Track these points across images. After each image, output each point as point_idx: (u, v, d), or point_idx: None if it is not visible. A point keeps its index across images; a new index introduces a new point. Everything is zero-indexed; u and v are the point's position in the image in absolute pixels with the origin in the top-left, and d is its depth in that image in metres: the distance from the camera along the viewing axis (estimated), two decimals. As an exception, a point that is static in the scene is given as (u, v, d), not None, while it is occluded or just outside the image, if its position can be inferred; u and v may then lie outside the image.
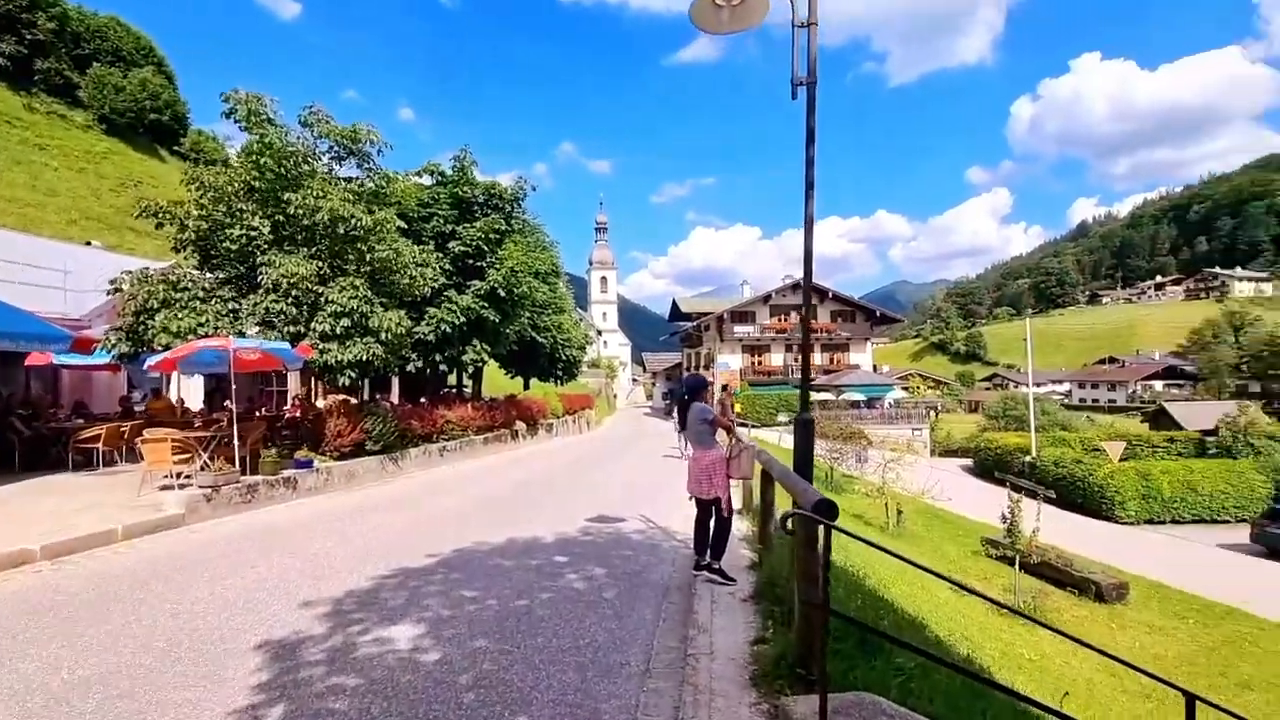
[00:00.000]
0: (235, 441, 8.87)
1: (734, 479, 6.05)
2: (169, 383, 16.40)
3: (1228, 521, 21.89)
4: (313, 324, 10.47)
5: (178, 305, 10.32)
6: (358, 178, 13.43)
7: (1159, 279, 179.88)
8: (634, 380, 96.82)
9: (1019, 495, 14.19)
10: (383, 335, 10.91)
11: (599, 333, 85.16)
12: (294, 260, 10.59)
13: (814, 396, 40.95)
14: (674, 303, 58.19)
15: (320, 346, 10.37)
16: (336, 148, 12.29)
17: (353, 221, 10.89)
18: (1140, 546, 18.73)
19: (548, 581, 5.46)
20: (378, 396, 16.59)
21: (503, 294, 15.75)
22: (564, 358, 31.51)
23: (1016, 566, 13.26)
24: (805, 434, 4.46)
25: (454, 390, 31.18)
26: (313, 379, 18.07)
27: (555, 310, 29.03)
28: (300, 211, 10.69)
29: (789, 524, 2.87)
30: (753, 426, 34.28)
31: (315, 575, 5.64)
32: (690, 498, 5.84)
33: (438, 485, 11.61)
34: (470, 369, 19.76)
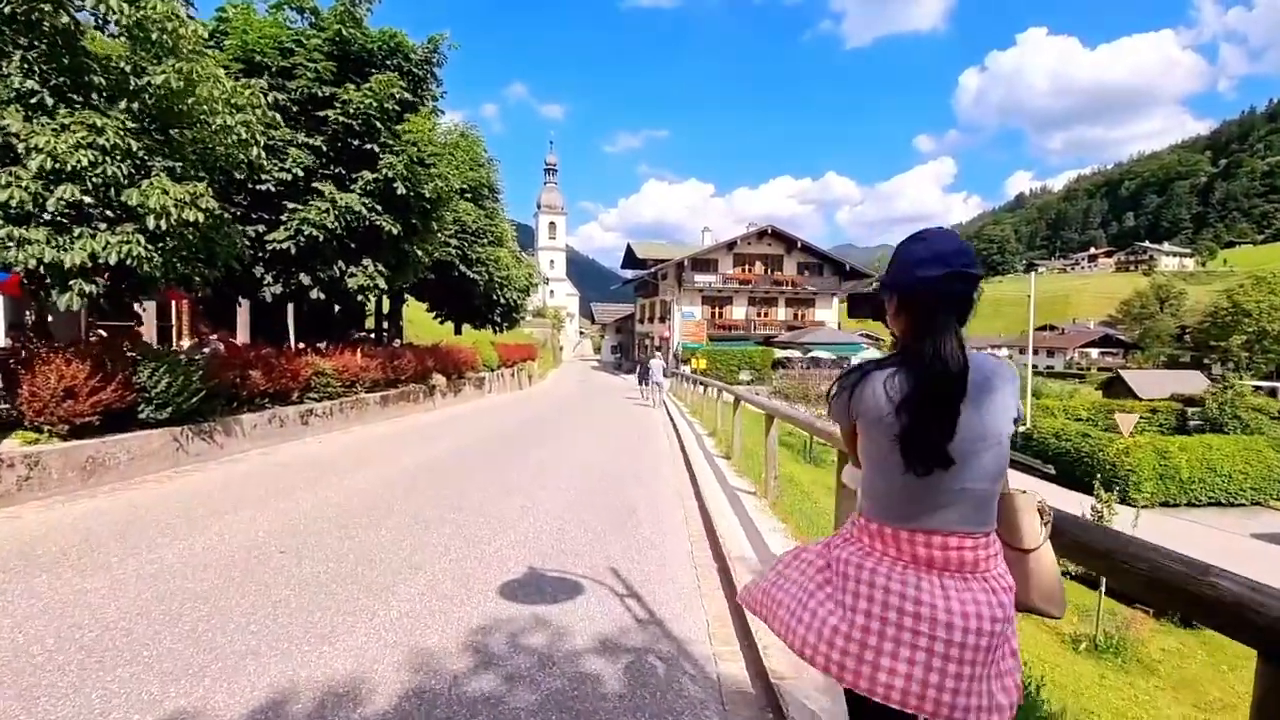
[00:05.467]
0: None
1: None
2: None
3: (1243, 505, 19.64)
4: None
5: None
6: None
7: (1091, 250, 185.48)
8: (581, 333, 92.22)
9: (1109, 495, 10.76)
10: (151, 221, 6.13)
11: (546, 280, 79.47)
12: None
13: (778, 354, 37.63)
14: (629, 248, 53.48)
15: (9, 235, 5.55)
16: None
17: (97, 5, 5.95)
18: (1170, 536, 15.99)
19: None
20: (204, 332, 11.64)
21: (405, 191, 10.93)
22: (503, 300, 26.83)
23: (1102, 588, 9.89)
24: None
25: (370, 335, 26.18)
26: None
27: (492, 241, 24.17)
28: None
29: None
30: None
31: None
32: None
33: (258, 484, 7.08)
34: (367, 301, 14.94)
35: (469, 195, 18.94)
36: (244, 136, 7.36)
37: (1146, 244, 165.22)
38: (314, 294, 10.81)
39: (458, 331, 28.13)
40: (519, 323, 32.68)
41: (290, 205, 10.26)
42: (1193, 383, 47.21)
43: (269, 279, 10.80)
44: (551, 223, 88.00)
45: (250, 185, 10.00)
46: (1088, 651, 9.41)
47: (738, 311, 42.16)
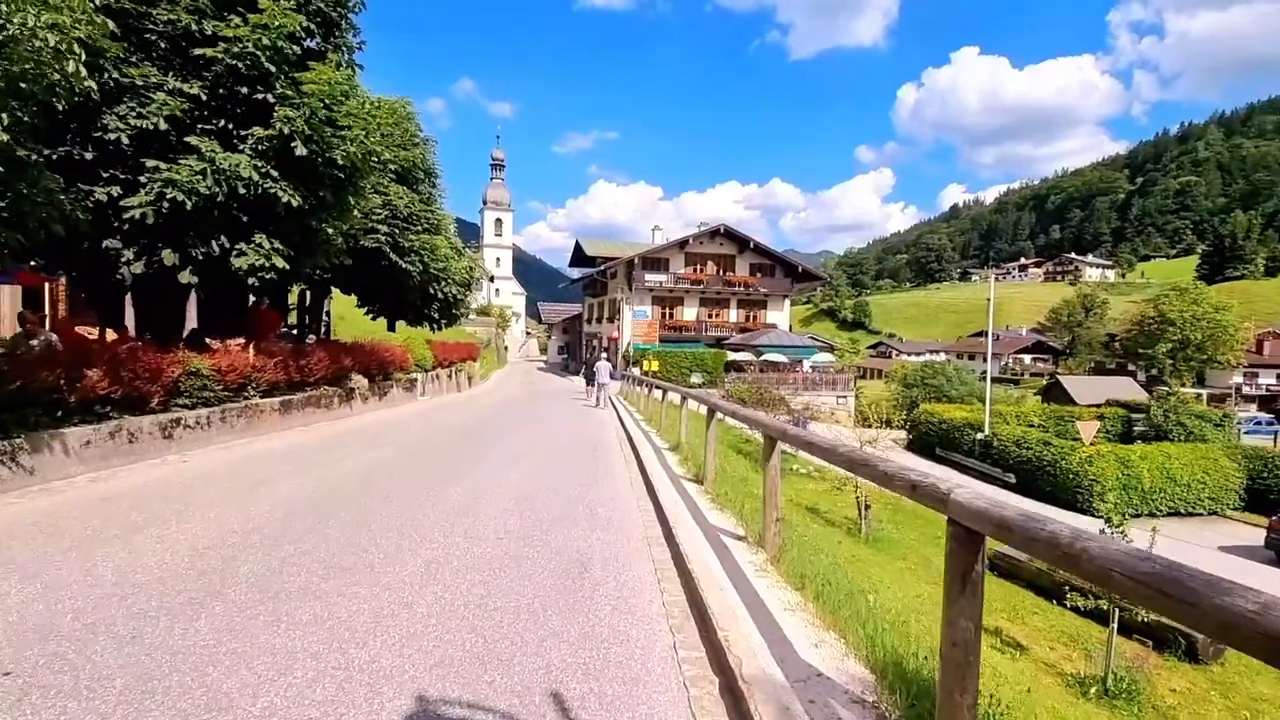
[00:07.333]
0: None
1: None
2: None
3: (1201, 514, 19.46)
4: None
5: None
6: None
7: (1022, 260, 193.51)
8: (527, 333, 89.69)
9: (1114, 508, 9.76)
10: None
11: (491, 278, 76.57)
12: None
13: (730, 356, 36.59)
14: (577, 244, 51.56)
15: None
16: None
17: None
18: (1141, 551, 15.42)
19: None
20: (32, 320, 9.23)
21: (309, 155, 8.95)
22: (441, 295, 24.56)
23: (1114, 621, 8.78)
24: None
25: (292, 331, 23.71)
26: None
27: (427, 228, 22.00)
28: None
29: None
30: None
31: None
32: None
33: (53, 530, 5.12)
34: (288, 287, 12.76)
35: (394, 172, 16.95)
36: (52, 43, 5.32)
37: (1074, 255, 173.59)
38: (184, 277, 8.67)
39: (391, 328, 25.77)
40: (459, 320, 30.50)
41: (151, 163, 8.12)
42: (1126, 389, 48.82)
43: (128, 255, 8.62)
44: (498, 219, 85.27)
45: (95, 133, 7.85)
46: (1098, 697, 8.29)
47: (689, 312, 40.94)
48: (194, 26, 8.62)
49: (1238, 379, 60.38)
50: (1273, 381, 61.12)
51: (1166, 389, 31.81)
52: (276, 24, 8.76)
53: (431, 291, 23.65)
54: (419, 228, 20.84)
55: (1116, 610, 8.62)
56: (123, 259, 8.62)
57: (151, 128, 8.01)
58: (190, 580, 3.90)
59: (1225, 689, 9.14)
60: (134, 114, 7.99)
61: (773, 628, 3.27)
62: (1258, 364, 61.36)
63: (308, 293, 22.88)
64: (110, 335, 12.34)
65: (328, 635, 3.25)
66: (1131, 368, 66.18)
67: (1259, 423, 38.52)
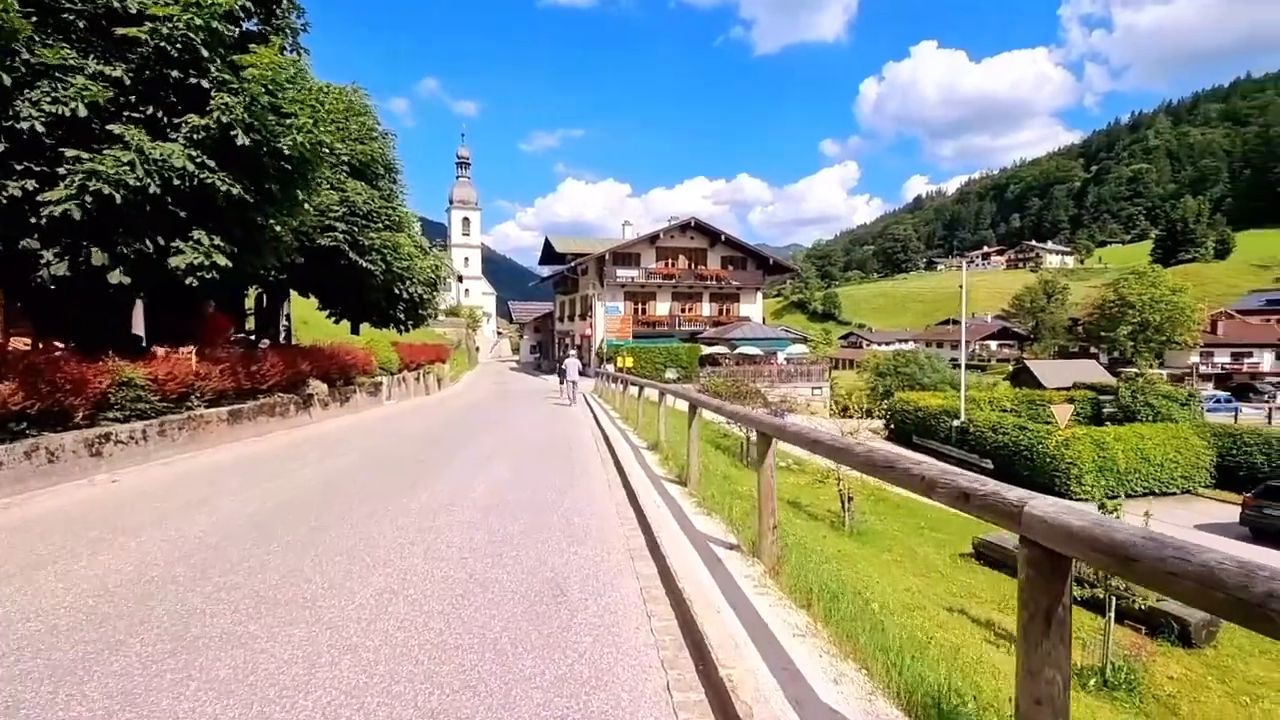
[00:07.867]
0: None
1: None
2: None
3: (1174, 493, 19.66)
4: None
5: None
6: None
7: (985, 249, 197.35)
8: (499, 333, 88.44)
9: (1116, 500, 9.49)
10: None
11: (460, 278, 75.13)
12: None
13: (705, 350, 36.22)
14: (547, 241, 50.70)
15: None
16: None
17: None
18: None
19: None
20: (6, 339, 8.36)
21: (251, 144, 8.23)
22: (406, 295, 23.69)
23: (1110, 610, 8.54)
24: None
25: (251, 338, 22.68)
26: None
27: (388, 226, 21.16)
28: None
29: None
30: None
31: None
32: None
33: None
34: (215, 287, 11.90)
35: (350, 166, 16.23)
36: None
37: (1034, 243, 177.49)
38: (115, 277, 7.89)
39: (355, 331, 24.84)
40: (427, 320, 29.64)
41: (72, 154, 7.34)
42: (1091, 371, 49.84)
43: (49, 256, 7.81)
44: (465, 218, 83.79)
45: (6, 121, 7.05)
46: (1097, 689, 8.04)
47: (661, 307, 40.48)
48: (116, 4, 7.84)
49: (1194, 359, 62.04)
50: (1227, 360, 62.99)
51: (1135, 370, 32.33)
52: (209, 2, 8.02)
53: (396, 292, 22.77)
54: (380, 225, 20.01)
55: (1113, 599, 8.39)
56: (42, 260, 7.81)
57: (69, 114, 7.22)
58: (89, 629, 3.29)
59: (1221, 673, 8.98)
60: (48, 99, 7.20)
61: (782, 659, 2.80)
62: (1213, 343, 63.17)
63: (264, 296, 21.89)
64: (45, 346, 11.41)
65: (248, 694, 2.69)
66: (1094, 351, 67.65)
67: (1218, 400, 39.48)
